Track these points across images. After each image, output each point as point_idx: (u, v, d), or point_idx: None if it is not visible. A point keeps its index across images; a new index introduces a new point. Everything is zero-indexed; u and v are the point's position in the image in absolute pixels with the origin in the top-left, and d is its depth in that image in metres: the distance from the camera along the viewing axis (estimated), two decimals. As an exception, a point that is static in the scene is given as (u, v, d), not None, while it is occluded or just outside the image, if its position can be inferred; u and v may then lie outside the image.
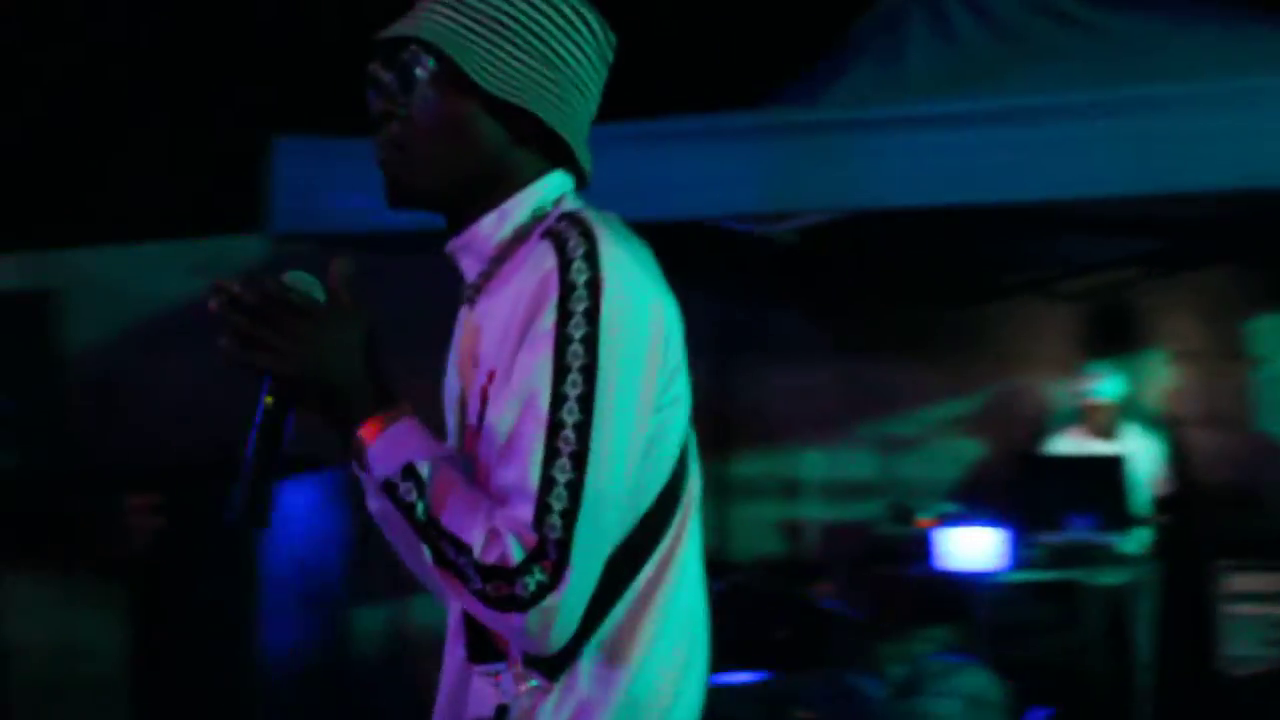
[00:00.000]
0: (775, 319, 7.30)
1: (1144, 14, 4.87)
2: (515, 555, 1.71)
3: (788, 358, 7.33)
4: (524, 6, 1.95)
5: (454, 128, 1.96)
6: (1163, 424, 6.54)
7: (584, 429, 1.75)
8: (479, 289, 1.97)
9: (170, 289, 8.09)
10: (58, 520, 5.33)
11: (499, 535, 1.73)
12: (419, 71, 1.94)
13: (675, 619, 1.87)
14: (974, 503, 6.24)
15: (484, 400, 1.88)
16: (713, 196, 4.23)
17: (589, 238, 1.78)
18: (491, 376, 1.87)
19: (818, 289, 6.79)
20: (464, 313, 2.02)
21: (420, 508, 1.80)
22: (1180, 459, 6.41)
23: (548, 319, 1.76)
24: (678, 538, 1.86)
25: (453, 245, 1.99)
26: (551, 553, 1.72)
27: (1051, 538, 5.79)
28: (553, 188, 1.97)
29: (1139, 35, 4.76)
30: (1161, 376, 6.69)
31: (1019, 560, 5.70)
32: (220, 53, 8.87)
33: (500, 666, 1.88)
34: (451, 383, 2.05)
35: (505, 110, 1.92)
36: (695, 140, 4.23)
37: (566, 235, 1.79)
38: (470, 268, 1.99)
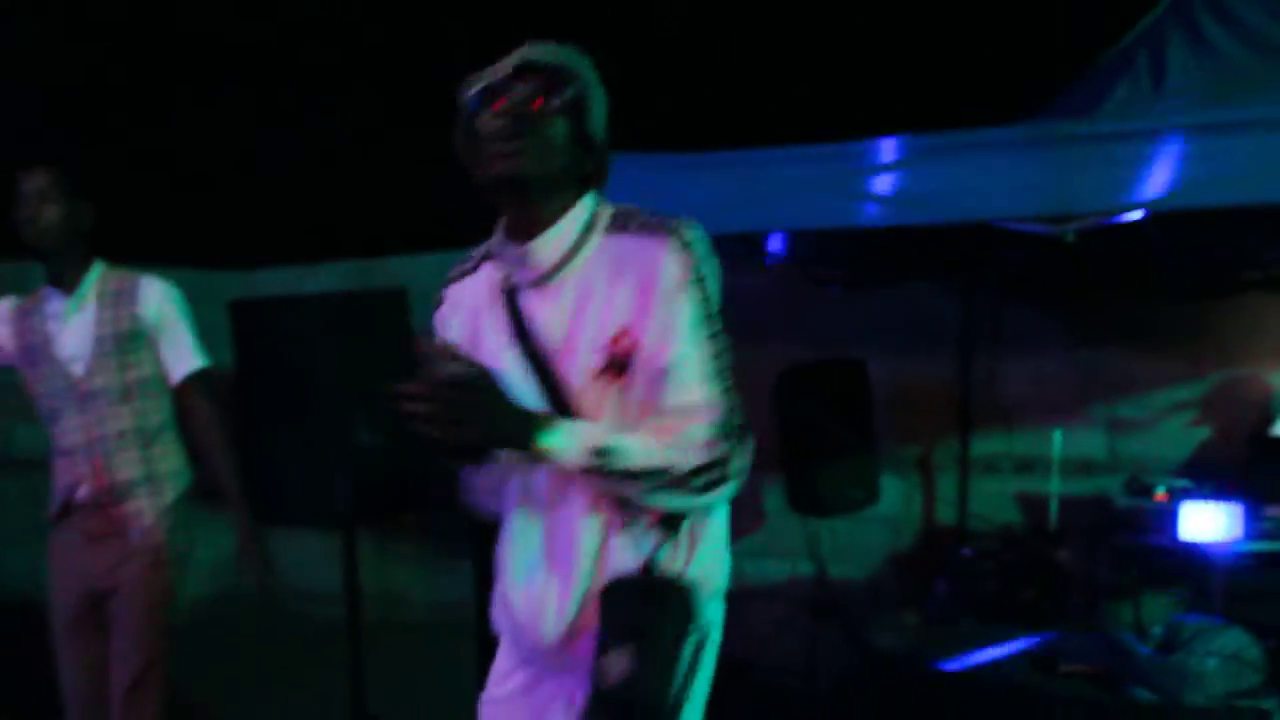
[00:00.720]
0: (1026, 313, 7.20)
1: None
2: (721, 449, 2.24)
3: (1031, 348, 7.21)
4: (596, 74, 2.39)
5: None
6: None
7: (724, 354, 2.28)
8: (545, 279, 2.35)
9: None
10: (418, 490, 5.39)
11: (697, 457, 2.23)
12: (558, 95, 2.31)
13: (724, 511, 2.45)
14: (1202, 480, 6.09)
15: (618, 368, 2.29)
16: (1005, 200, 4.16)
17: (688, 229, 2.31)
18: (625, 333, 2.28)
19: (1073, 284, 6.67)
20: (519, 300, 2.38)
21: (623, 467, 2.21)
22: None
23: (691, 288, 2.27)
24: None
25: (519, 251, 2.35)
26: (740, 438, 2.26)
27: None
28: (595, 198, 2.42)
29: None
30: None
31: (1251, 532, 5.54)
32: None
33: (638, 531, 2.31)
34: (516, 349, 2.36)
35: (588, 141, 2.38)
36: (1010, 150, 4.15)
37: (668, 228, 2.30)
38: (543, 261, 2.33)
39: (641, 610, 2.25)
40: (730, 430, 2.25)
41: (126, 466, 3.71)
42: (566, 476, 2.31)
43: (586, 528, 2.34)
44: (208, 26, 10.90)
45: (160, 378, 3.83)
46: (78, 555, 3.76)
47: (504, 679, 2.58)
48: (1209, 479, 6.08)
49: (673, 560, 2.33)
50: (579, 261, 2.33)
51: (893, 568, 7.61)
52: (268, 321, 4.12)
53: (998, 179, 4.11)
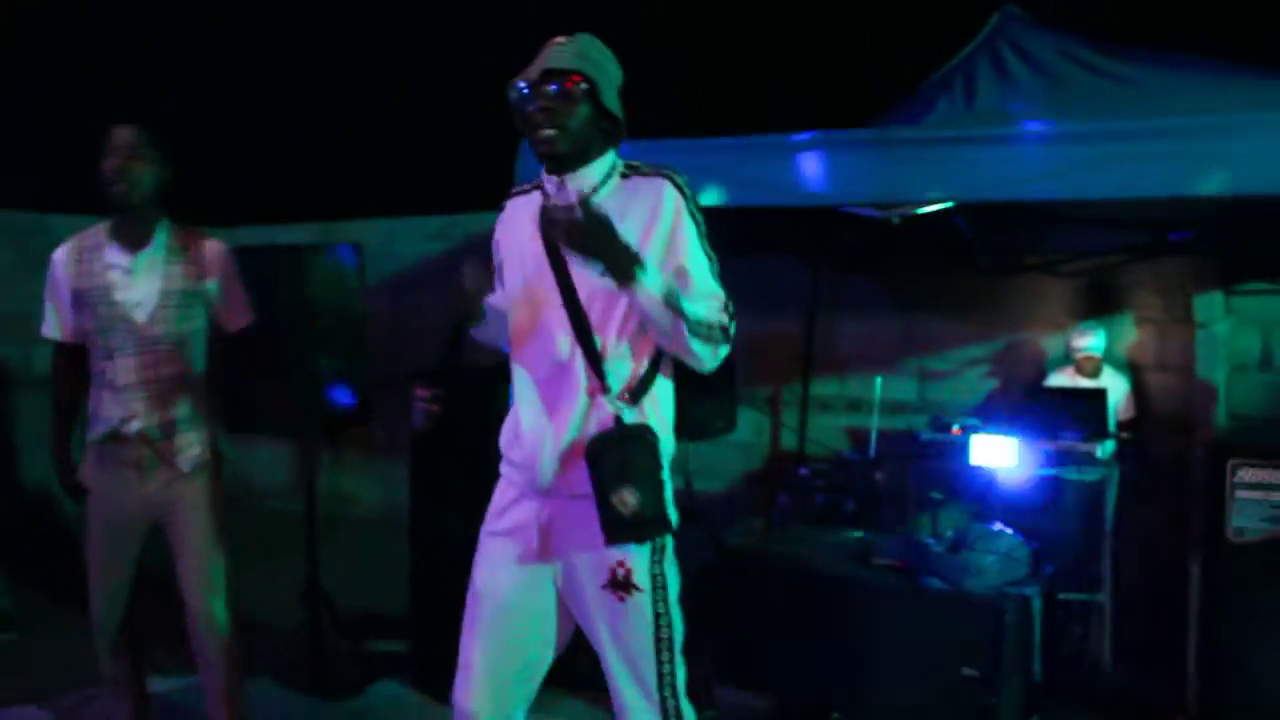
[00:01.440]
0: (858, 282, 7.32)
1: (1150, 65, 4.89)
2: (729, 322, 2.58)
3: (861, 311, 7.34)
4: (610, 55, 2.68)
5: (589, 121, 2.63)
6: (1129, 368, 6.55)
7: (716, 263, 2.62)
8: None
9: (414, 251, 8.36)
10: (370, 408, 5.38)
11: (720, 318, 2.56)
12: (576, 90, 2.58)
13: (671, 390, 2.72)
14: (989, 419, 6.26)
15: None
16: (844, 188, 4.24)
17: (682, 176, 2.62)
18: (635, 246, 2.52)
19: (896, 261, 6.81)
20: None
21: (680, 309, 2.48)
22: (1140, 394, 6.40)
23: (688, 220, 2.58)
24: None
25: (559, 179, 2.65)
26: (733, 320, 2.59)
27: (1049, 445, 5.75)
28: (615, 154, 2.71)
29: (1145, 80, 4.79)
30: (1130, 334, 6.66)
31: (1024, 459, 5.72)
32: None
33: (612, 397, 2.57)
34: (537, 267, 2.65)
35: (608, 114, 2.64)
36: (852, 148, 4.21)
37: (668, 173, 2.61)
38: (563, 195, 2.62)
39: (626, 452, 2.51)
40: (732, 312, 2.57)
41: (179, 406, 3.52)
42: (562, 360, 2.59)
43: (580, 390, 2.58)
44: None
45: (208, 329, 3.65)
46: (128, 485, 3.54)
47: (500, 516, 2.75)
48: (994, 418, 6.26)
49: (636, 418, 2.58)
50: (602, 194, 2.60)
51: (745, 483, 7.72)
52: (252, 267, 4.03)
53: (840, 172, 4.16)
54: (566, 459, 2.59)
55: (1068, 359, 6.36)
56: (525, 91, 2.56)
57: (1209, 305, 6.16)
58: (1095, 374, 6.20)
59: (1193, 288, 6.12)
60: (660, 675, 2.67)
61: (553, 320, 2.61)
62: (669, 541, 2.67)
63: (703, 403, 6.60)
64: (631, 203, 2.57)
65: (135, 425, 3.47)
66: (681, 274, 2.55)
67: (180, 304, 3.50)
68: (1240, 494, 2.88)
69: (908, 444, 6.45)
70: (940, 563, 4.37)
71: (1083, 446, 5.65)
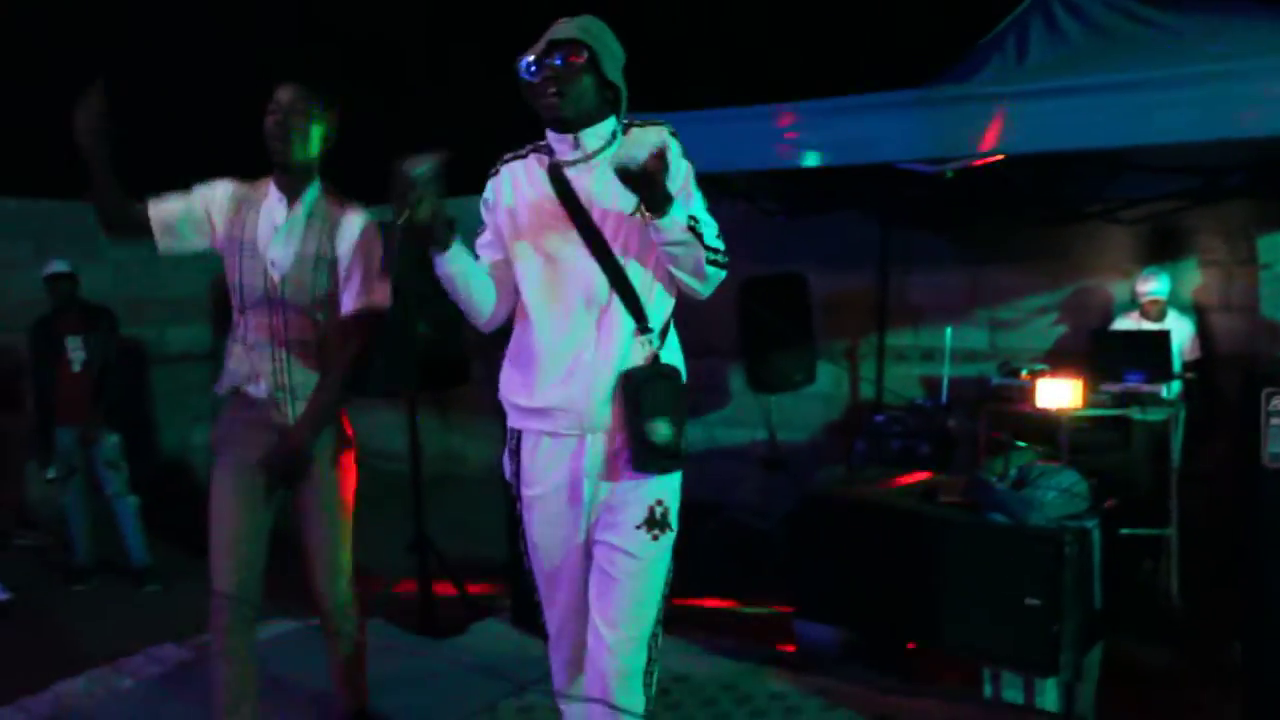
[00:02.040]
0: (928, 238, 7.33)
1: (1198, 13, 4.81)
2: (723, 248, 2.65)
3: (931, 265, 7.36)
4: (610, 33, 2.71)
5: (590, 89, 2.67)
6: (1193, 311, 6.49)
7: (701, 205, 2.68)
8: (584, 161, 2.69)
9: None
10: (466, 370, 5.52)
11: (720, 244, 2.64)
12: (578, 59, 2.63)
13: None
14: (1056, 364, 6.26)
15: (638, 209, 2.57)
16: (904, 145, 4.28)
17: (669, 126, 2.71)
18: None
19: (962, 215, 6.82)
20: (567, 176, 2.69)
21: (701, 235, 2.57)
22: (1205, 335, 6.35)
23: (683, 158, 2.68)
24: None
25: (574, 138, 2.69)
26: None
27: (1114, 387, 5.77)
28: (617, 118, 2.75)
29: (1191, 29, 4.71)
30: (1194, 278, 6.58)
31: (1089, 402, 5.71)
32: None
33: (647, 337, 2.66)
34: (560, 224, 2.68)
35: (608, 83, 2.69)
36: (902, 108, 4.23)
37: (658, 123, 2.72)
38: (588, 146, 2.69)
39: (663, 387, 2.62)
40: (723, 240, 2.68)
41: (302, 371, 3.31)
42: (602, 304, 2.64)
43: (624, 331, 2.64)
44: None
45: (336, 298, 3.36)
46: (252, 440, 3.33)
47: (536, 473, 2.77)
48: (1061, 363, 6.26)
49: (668, 357, 2.71)
50: (612, 148, 2.67)
51: (825, 432, 7.81)
52: None
53: (895, 130, 4.20)
54: (614, 397, 2.65)
55: (1133, 304, 6.33)
56: (532, 64, 2.62)
57: (1273, 247, 6.12)
58: (1160, 317, 6.15)
59: (1256, 230, 6.06)
60: (658, 615, 2.75)
61: (585, 269, 2.64)
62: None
63: (782, 357, 6.70)
64: (639, 147, 2.51)
65: (261, 385, 3.31)
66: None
67: (314, 270, 3.28)
68: (1275, 421, 2.87)
69: (979, 390, 6.51)
70: (1003, 499, 4.36)
71: (1147, 387, 5.67)
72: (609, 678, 2.69)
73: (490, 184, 2.81)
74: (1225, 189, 5.61)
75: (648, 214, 2.49)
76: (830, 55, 7.60)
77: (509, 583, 5.25)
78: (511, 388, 2.78)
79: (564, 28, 2.63)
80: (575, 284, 2.65)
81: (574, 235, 2.66)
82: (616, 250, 2.64)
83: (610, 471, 2.70)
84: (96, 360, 6.61)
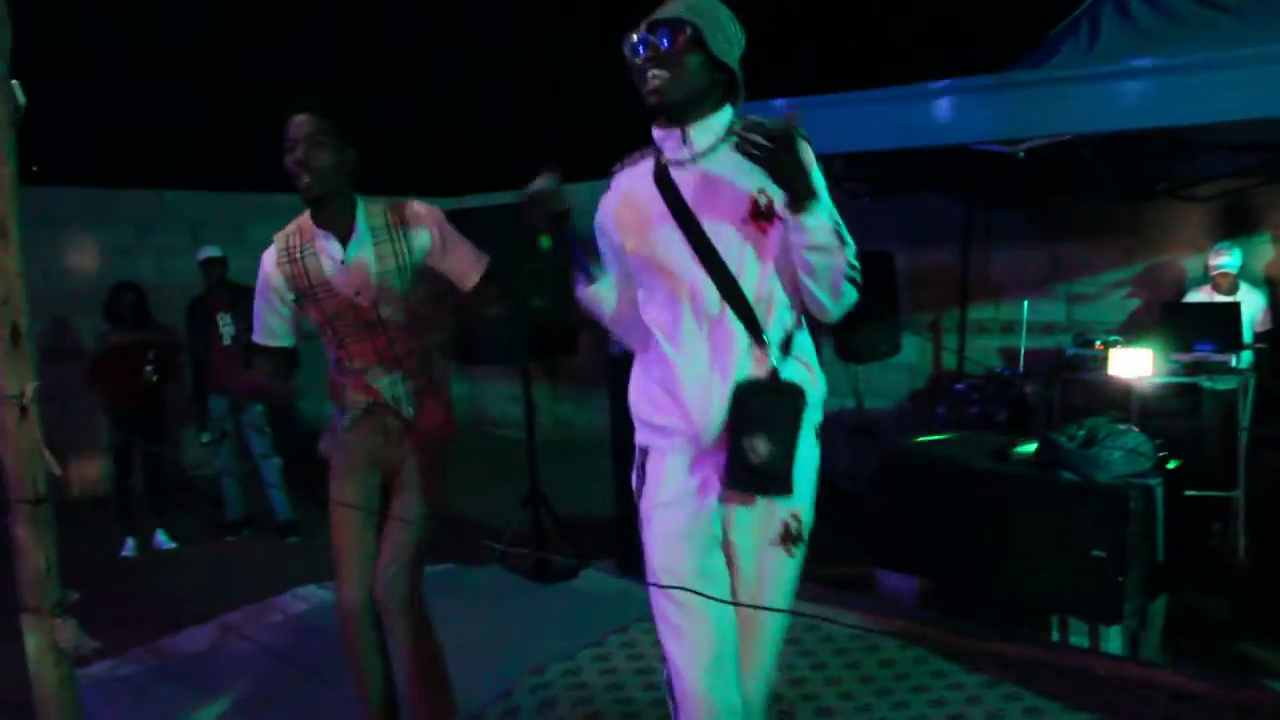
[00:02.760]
0: (1008, 215, 7.38)
1: (1267, -1, 4.79)
2: (860, 267, 2.32)
3: (1011, 241, 7.40)
4: (726, 12, 2.37)
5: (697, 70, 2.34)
6: (1265, 284, 6.46)
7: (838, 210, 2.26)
8: (690, 161, 2.38)
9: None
10: (574, 340, 5.67)
11: (857, 262, 2.30)
12: (684, 37, 2.31)
13: (810, 340, 2.48)
14: (1129, 335, 6.29)
15: (764, 217, 2.32)
16: (980, 127, 4.34)
17: (801, 128, 2.19)
18: (762, 191, 2.30)
19: (1039, 194, 6.89)
20: (672, 178, 2.39)
21: (845, 242, 2.27)
22: (1276, 307, 6.33)
23: (816, 164, 2.24)
24: None
25: (681, 133, 2.38)
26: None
27: (1185, 356, 5.79)
28: (732, 108, 2.41)
29: (1258, 12, 4.67)
30: (1267, 252, 6.54)
31: (1159, 370, 5.75)
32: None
33: (770, 349, 2.34)
34: (666, 235, 2.37)
35: (719, 64, 2.35)
36: (978, 93, 4.30)
37: (795, 127, 2.17)
38: (697, 143, 2.37)
39: (771, 404, 2.32)
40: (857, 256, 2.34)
41: (416, 377, 3.14)
42: (714, 317, 2.35)
43: (739, 344, 2.34)
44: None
45: (438, 292, 3.17)
46: (372, 449, 3.18)
47: (661, 488, 2.47)
48: (1135, 336, 6.28)
49: (791, 374, 2.38)
50: (723, 148, 2.35)
51: (910, 400, 7.94)
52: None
53: (966, 113, 4.28)
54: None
55: (1206, 277, 6.32)
56: (636, 43, 2.34)
57: (1341, 221, 6.06)
58: (1231, 290, 6.15)
59: None
60: (785, 630, 2.58)
61: (696, 279, 2.35)
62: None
63: (870, 330, 6.81)
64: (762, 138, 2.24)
65: (379, 404, 3.14)
66: (799, 225, 2.28)
67: (400, 280, 3.07)
68: None
69: (1055, 359, 6.57)
70: (1071, 457, 4.44)
71: (1217, 356, 5.67)
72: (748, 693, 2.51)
73: (600, 205, 2.56)
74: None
75: (793, 207, 2.22)
76: (914, 45, 7.64)
77: (616, 536, 5.44)
78: (637, 403, 2.53)
79: (671, 6, 2.34)
80: (685, 296, 2.38)
81: (682, 243, 2.37)
82: (727, 259, 2.34)
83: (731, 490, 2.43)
84: (245, 334, 6.98)
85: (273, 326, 3.17)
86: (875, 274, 6.86)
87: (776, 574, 2.47)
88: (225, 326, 7.00)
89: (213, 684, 4.10)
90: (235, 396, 6.88)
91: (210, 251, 7.10)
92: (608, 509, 5.58)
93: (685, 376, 2.38)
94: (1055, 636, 4.48)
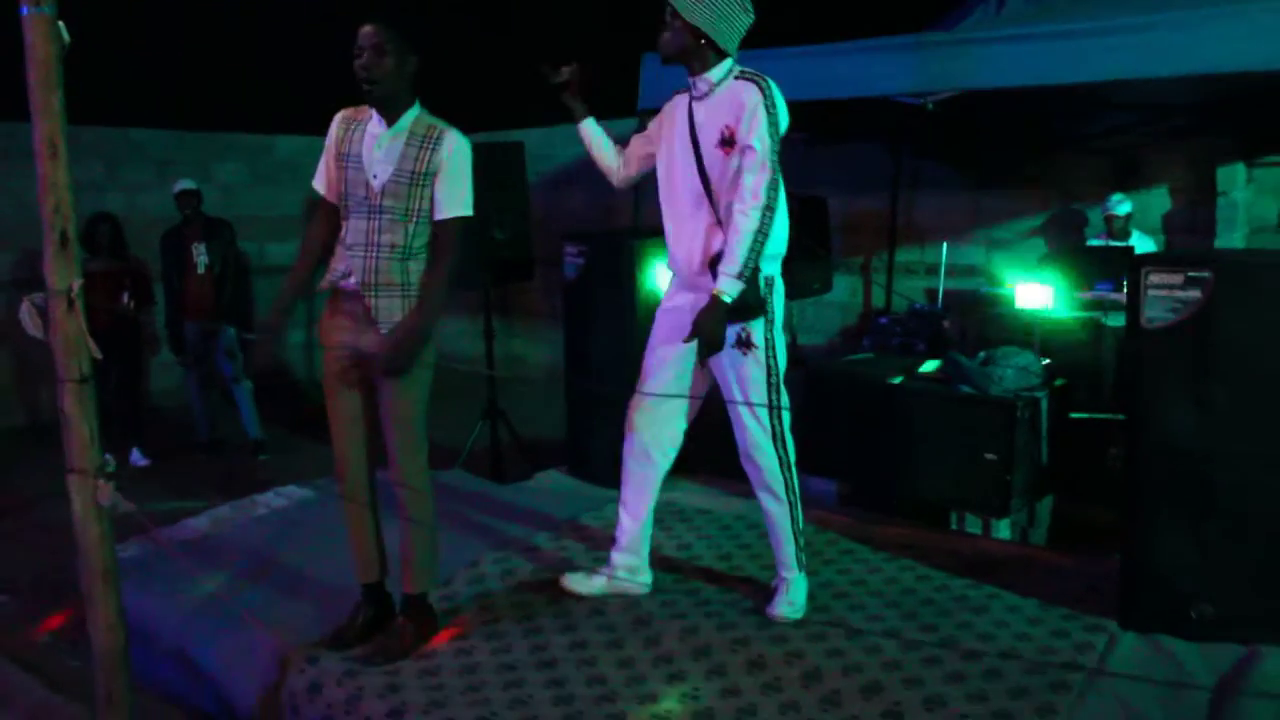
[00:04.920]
0: (934, 166, 7.95)
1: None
2: (768, 195, 3.41)
3: (937, 189, 8.01)
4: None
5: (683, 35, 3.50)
6: (1163, 233, 7.06)
7: (775, 145, 3.43)
8: (703, 98, 3.53)
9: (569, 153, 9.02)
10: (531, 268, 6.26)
11: (761, 193, 3.39)
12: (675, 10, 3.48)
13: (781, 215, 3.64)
14: (1037, 274, 6.88)
15: (728, 144, 3.43)
16: (892, 81, 4.84)
17: (767, 82, 3.42)
18: (730, 135, 3.41)
19: (962, 145, 7.48)
20: (693, 107, 3.56)
21: (750, 264, 3.44)
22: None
23: (761, 112, 3.36)
24: None
25: (693, 80, 3.56)
26: (777, 186, 3.48)
27: (1086, 294, 6.35)
28: (730, 61, 3.52)
29: None
30: (1163, 203, 7.13)
31: (1064, 305, 6.34)
32: None
33: (721, 228, 3.52)
34: (683, 141, 3.59)
35: (699, 32, 3.45)
36: (891, 51, 4.77)
37: (758, 80, 3.41)
38: (698, 90, 3.55)
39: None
40: (774, 183, 3.41)
41: (390, 272, 3.44)
42: (700, 202, 3.53)
43: (709, 223, 3.55)
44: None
45: (430, 213, 3.48)
46: (345, 332, 3.55)
47: (670, 298, 3.81)
48: (1042, 274, 6.88)
49: None
50: (721, 90, 3.49)
51: (842, 337, 8.55)
52: None
53: (884, 69, 4.76)
54: (702, 264, 3.56)
55: (1107, 225, 6.96)
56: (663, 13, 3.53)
57: (1230, 175, 6.68)
58: (1125, 236, 6.76)
59: (1213, 159, 6.62)
60: (770, 407, 3.62)
61: (695, 179, 3.53)
62: (776, 317, 3.61)
63: (803, 267, 7.38)
64: (732, 97, 3.44)
65: (352, 281, 3.49)
66: (749, 150, 3.38)
67: (410, 184, 3.41)
68: (1151, 292, 3.55)
69: (973, 298, 7.21)
70: (969, 373, 5.04)
71: (1115, 295, 6.14)
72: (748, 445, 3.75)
73: (665, 106, 3.75)
74: (1188, 127, 6.16)
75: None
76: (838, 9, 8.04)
77: (569, 449, 5.94)
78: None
79: None
80: (688, 188, 3.58)
81: (692, 158, 3.54)
82: (707, 165, 3.51)
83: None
84: (217, 264, 7.52)
85: (325, 177, 3.61)
86: (810, 217, 7.46)
87: (739, 368, 3.60)
88: (199, 256, 7.51)
89: (212, 561, 4.60)
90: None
91: (186, 184, 7.55)
92: (560, 432, 6.05)
93: (679, 238, 3.64)
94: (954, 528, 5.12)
